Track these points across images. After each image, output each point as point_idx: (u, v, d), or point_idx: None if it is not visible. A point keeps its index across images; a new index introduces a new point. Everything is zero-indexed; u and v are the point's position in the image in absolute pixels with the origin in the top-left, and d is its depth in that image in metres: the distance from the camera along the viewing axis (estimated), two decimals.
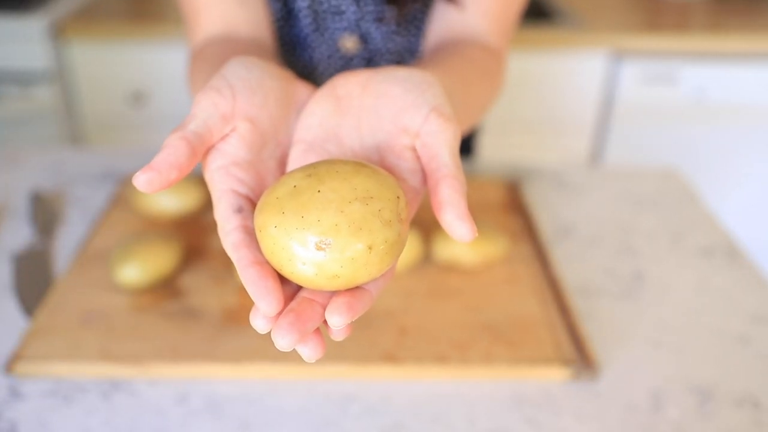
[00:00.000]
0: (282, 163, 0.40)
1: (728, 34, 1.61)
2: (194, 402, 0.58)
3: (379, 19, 0.71)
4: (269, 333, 0.32)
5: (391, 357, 0.61)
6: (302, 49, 0.75)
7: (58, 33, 1.55)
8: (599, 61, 1.62)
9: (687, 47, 1.60)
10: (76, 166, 0.94)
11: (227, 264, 0.73)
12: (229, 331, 0.64)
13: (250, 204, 0.36)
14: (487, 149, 1.69)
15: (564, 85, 1.65)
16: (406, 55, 0.76)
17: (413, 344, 0.63)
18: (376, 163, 0.38)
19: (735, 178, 1.78)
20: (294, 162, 0.39)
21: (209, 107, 0.36)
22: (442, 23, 0.64)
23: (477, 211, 0.84)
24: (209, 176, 0.37)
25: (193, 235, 0.77)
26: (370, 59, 0.75)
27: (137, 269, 0.66)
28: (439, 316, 0.67)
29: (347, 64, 0.75)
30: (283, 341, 0.31)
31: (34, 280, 0.71)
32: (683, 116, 1.68)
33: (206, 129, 0.36)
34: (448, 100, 0.38)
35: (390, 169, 0.38)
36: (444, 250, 0.72)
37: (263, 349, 0.62)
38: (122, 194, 0.85)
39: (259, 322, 0.32)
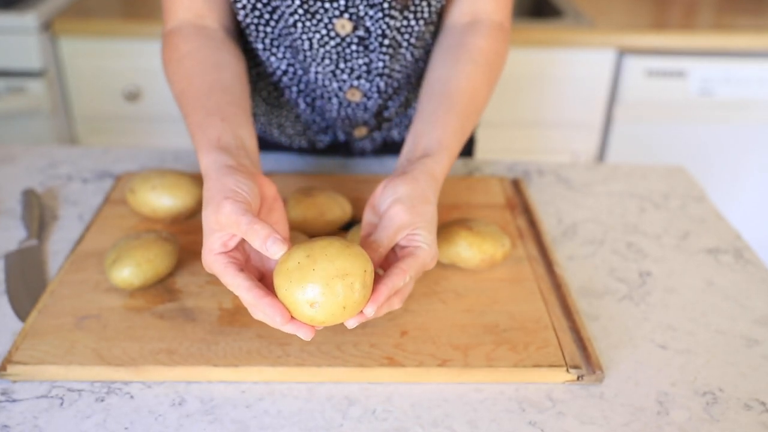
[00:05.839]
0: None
1: (735, 32, 1.60)
2: (191, 405, 0.57)
3: (374, 5, 0.74)
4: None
5: (391, 360, 0.60)
6: (290, 35, 0.77)
7: (51, 30, 1.54)
8: (607, 59, 1.61)
9: (694, 44, 1.59)
10: (69, 165, 0.93)
11: None
12: (226, 332, 0.63)
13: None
14: (493, 147, 1.68)
15: (572, 83, 1.65)
16: (400, 36, 0.78)
17: (414, 346, 0.62)
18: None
19: (742, 176, 1.77)
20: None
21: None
22: (455, 10, 0.79)
23: (479, 210, 0.83)
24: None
25: (189, 235, 0.76)
26: (364, 41, 0.77)
27: (132, 269, 0.65)
28: (441, 317, 0.66)
29: (341, 45, 0.77)
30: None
31: (26, 281, 0.70)
32: (690, 114, 1.67)
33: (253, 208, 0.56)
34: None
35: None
36: (445, 250, 0.71)
37: (261, 351, 0.60)
38: (117, 193, 0.83)
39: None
